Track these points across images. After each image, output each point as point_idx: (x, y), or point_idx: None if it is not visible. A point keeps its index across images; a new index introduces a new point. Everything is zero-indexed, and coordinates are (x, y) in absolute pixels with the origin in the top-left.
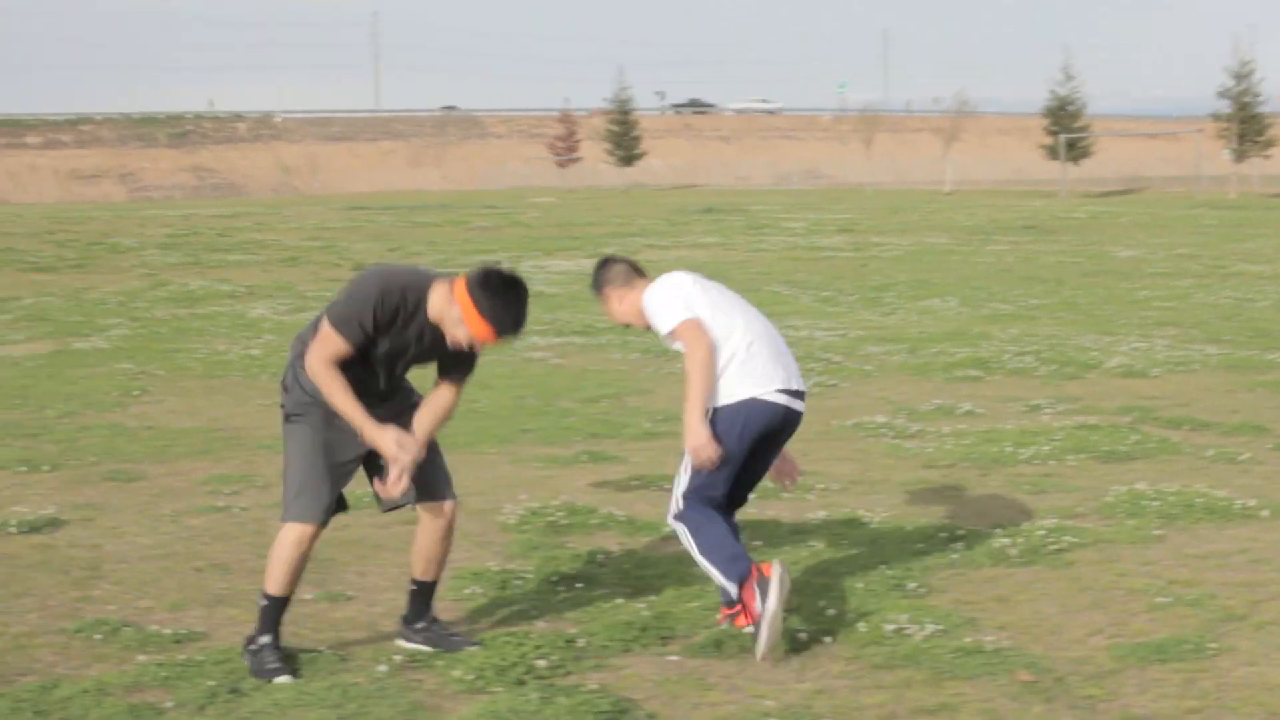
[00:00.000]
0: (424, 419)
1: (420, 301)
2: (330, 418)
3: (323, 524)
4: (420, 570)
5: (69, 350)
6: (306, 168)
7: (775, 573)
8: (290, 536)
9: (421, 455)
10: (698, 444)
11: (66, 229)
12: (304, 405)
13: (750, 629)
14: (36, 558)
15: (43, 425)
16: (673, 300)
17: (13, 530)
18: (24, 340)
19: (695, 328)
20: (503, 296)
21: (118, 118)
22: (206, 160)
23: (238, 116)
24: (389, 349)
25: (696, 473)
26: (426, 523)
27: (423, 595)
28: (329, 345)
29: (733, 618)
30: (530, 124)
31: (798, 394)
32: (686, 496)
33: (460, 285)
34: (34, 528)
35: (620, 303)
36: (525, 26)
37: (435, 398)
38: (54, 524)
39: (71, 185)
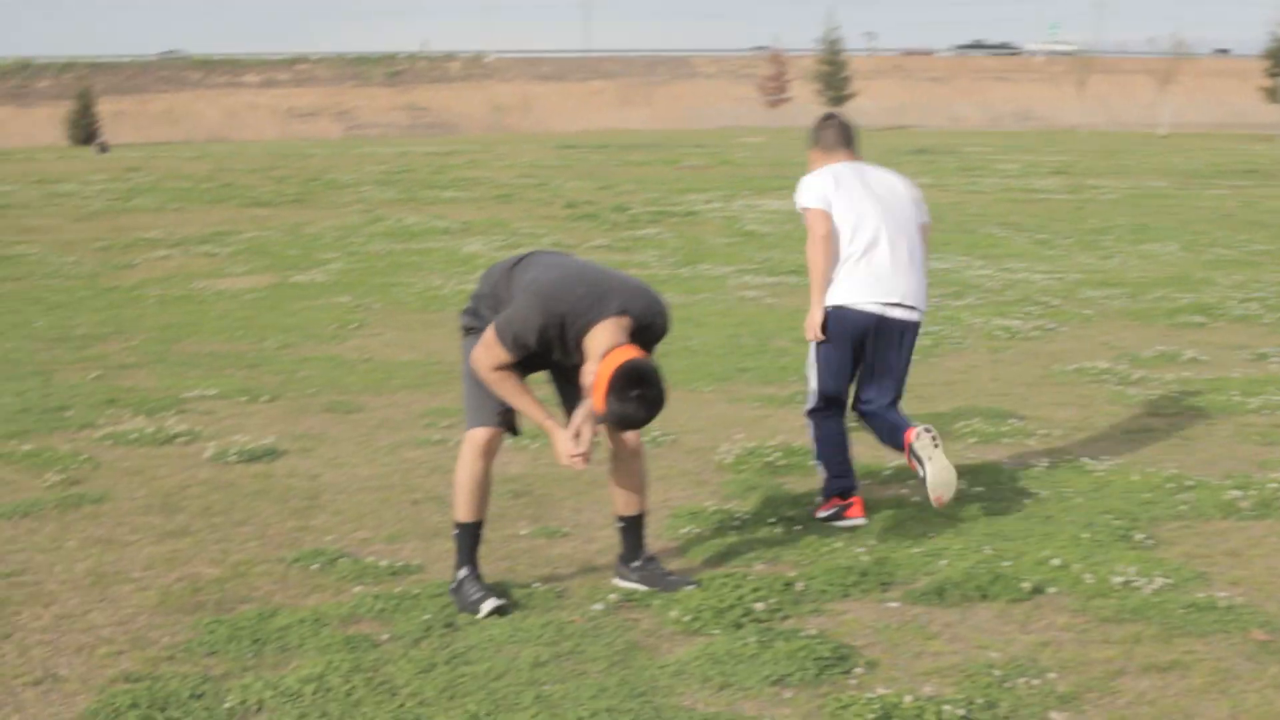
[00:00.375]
0: (618, 482)
1: (579, 335)
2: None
3: (491, 430)
4: (621, 505)
5: (288, 283)
6: (518, 106)
7: (916, 438)
8: (466, 448)
9: (586, 465)
10: (808, 332)
11: (285, 165)
12: (480, 318)
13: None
14: (256, 486)
15: (262, 356)
16: (814, 187)
17: (233, 459)
18: (245, 273)
19: (816, 217)
20: (632, 410)
21: (333, 57)
22: (420, 99)
23: (450, 56)
24: (563, 363)
25: (819, 371)
26: (613, 450)
27: (631, 531)
28: (493, 354)
29: (823, 509)
30: (740, 64)
31: (901, 305)
32: (811, 394)
33: (607, 368)
34: (254, 457)
35: (811, 166)
36: None
37: (622, 464)
38: (273, 453)
39: (289, 123)
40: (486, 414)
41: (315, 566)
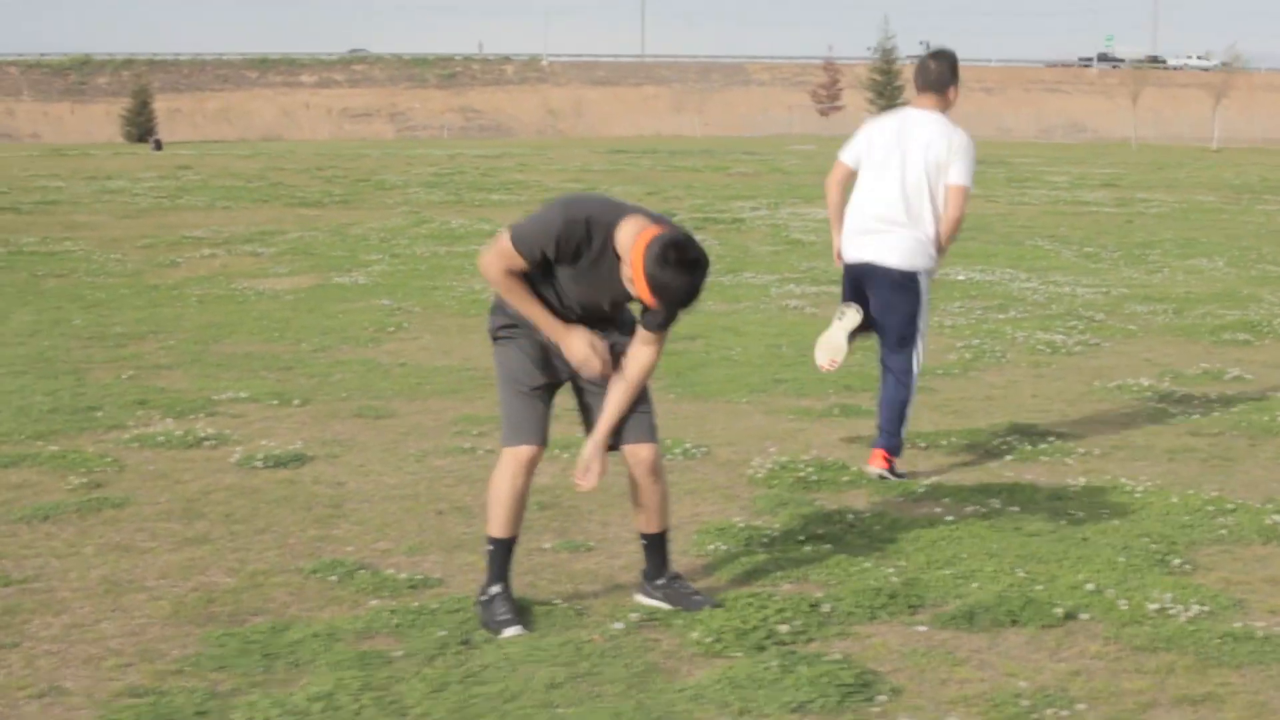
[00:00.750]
0: (625, 375)
1: (607, 237)
2: (535, 338)
3: (533, 448)
4: (642, 523)
5: (329, 284)
6: (571, 110)
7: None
8: (506, 463)
9: (609, 372)
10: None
11: (336, 165)
12: (508, 328)
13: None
14: (280, 493)
15: (298, 359)
16: (855, 137)
17: (259, 464)
18: (288, 274)
19: (835, 165)
20: (674, 276)
21: (389, 58)
22: (474, 101)
23: (506, 59)
24: (584, 294)
25: None
26: (630, 469)
27: (655, 549)
28: (506, 258)
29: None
30: (793, 72)
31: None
32: None
33: (639, 246)
34: (280, 462)
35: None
36: None
37: (634, 354)
38: (300, 459)
39: (343, 123)
40: (528, 431)
41: (333, 578)
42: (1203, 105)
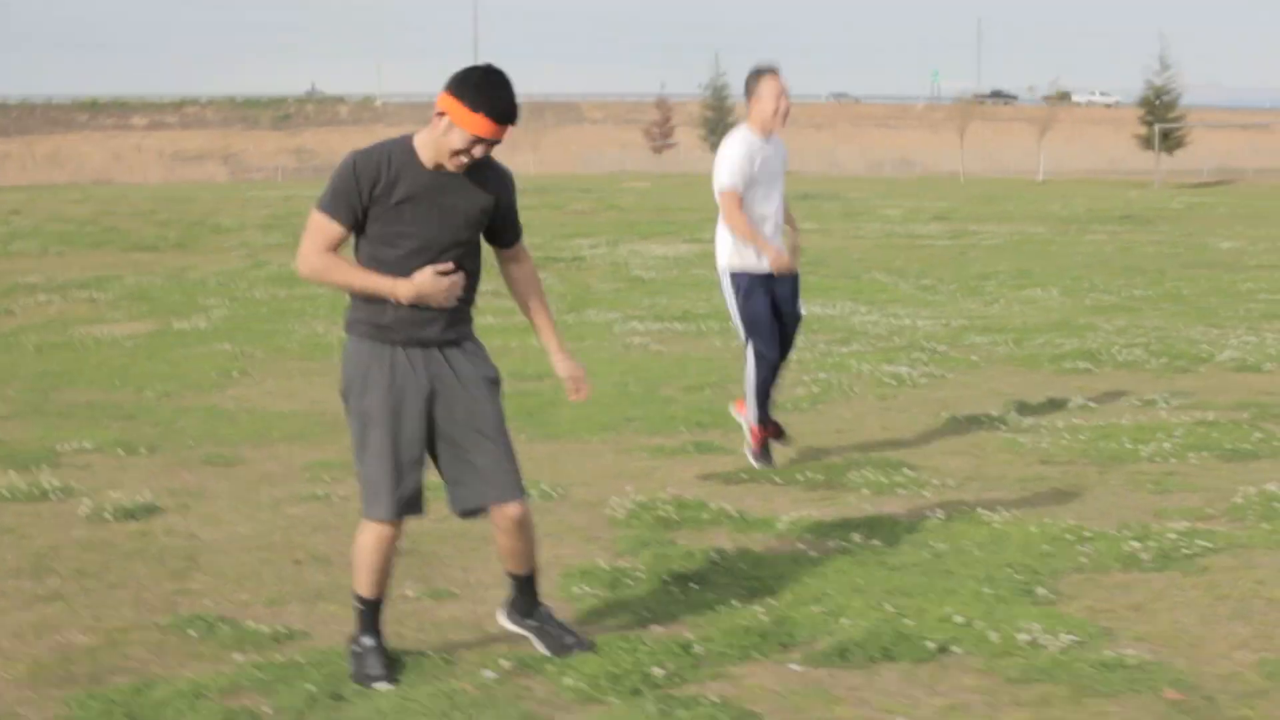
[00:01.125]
0: (526, 300)
1: (407, 156)
2: (393, 402)
3: (398, 524)
4: (510, 565)
5: (169, 330)
6: None
7: None
8: (368, 538)
9: (458, 290)
10: None
11: (169, 209)
12: (357, 385)
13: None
14: (132, 546)
15: (141, 406)
16: (734, 163)
17: (109, 517)
18: (126, 319)
19: (730, 194)
20: (487, 83)
21: (222, 100)
22: (308, 142)
23: (339, 99)
24: (420, 237)
25: None
26: (497, 524)
27: (524, 587)
28: (319, 233)
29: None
30: (626, 109)
31: None
32: None
33: (442, 96)
34: (130, 514)
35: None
36: (625, 13)
37: (514, 274)
38: (150, 510)
39: (175, 166)
40: (387, 505)
41: (194, 633)
42: (1027, 138)
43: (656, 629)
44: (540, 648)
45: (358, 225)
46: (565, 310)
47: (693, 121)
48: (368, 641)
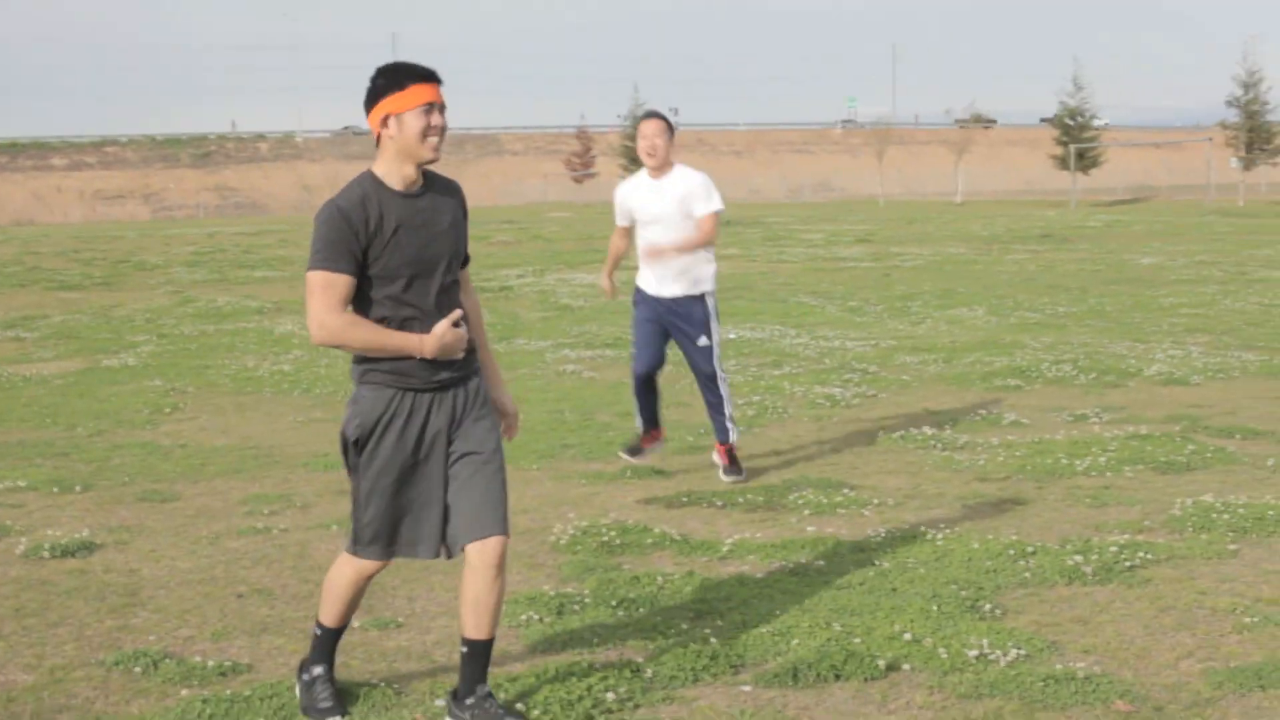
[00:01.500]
0: (471, 334)
1: (379, 188)
2: (413, 447)
3: (384, 564)
4: (471, 626)
5: (99, 368)
6: (327, 185)
7: None
8: (349, 569)
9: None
10: None
11: (93, 248)
12: (376, 432)
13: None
14: (71, 584)
15: (74, 444)
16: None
17: (46, 555)
18: (53, 358)
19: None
20: (392, 67)
21: (141, 139)
22: (229, 180)
23: (260, 137)
24: (418, 262)
25: None
26: (473, 560)
27: (476, 659)
28: (328, 291)
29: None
30: (547, 141)
31: None
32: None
33: (372, 113)
34: (68, 551)
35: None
36: (543, 46)
37: (463, 305)
38: (88, 547)
39: (96, 205)
40: (378, 547)
41: (138, 669)
42: (944, 161)
43: (606, 653)
44: None
45: (360, 272)
46: (496, 339)
47: (613, 151)
48: (318, 670)
